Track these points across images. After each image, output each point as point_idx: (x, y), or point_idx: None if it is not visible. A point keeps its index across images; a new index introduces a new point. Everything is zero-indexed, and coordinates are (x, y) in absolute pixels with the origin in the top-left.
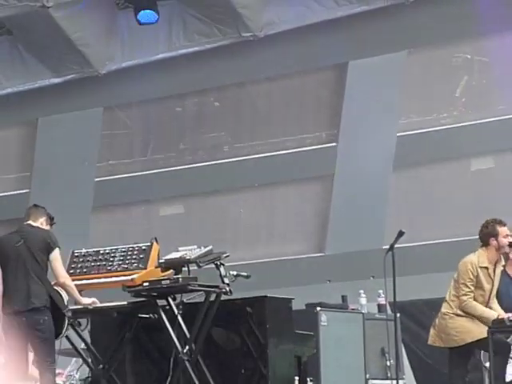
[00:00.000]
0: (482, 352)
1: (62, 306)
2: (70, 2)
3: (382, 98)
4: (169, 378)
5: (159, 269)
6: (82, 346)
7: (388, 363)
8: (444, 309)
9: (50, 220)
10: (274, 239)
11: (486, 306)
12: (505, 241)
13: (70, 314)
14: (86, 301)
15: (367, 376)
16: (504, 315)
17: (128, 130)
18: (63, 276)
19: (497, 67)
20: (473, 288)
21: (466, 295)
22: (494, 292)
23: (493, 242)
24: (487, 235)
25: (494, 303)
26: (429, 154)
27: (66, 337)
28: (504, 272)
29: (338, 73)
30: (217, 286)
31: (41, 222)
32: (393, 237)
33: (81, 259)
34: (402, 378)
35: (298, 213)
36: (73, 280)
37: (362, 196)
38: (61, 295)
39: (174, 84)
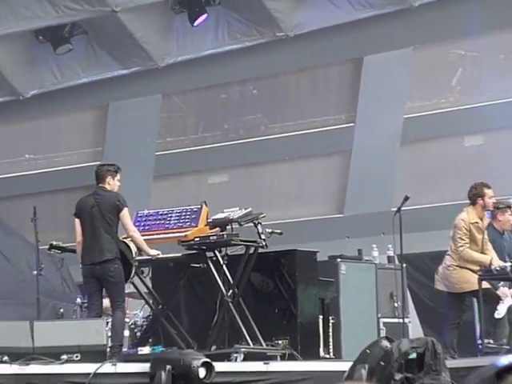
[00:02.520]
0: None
1: (130, 257)
2: (135, 7)
3: (391, 86)
4: (215, 316)
5: (208, 227)
6: (145, 290)
7: (396, 305)
8: (448, 261)
9: (115, 172)
10: (302, 203)
11: (481, 253)
12: (490, 201)
13: (136, 263)
14: (153, 252)
15: (379, 315)
16: (496, 260)
17: (182, 113)
18: (132, 230)
19: (485, 62)
20: (467, 240)
21: (463, 246)
22: (486, 240)
23: (480, 201)
24: (475, 195)
25: (489, 251)
26: (430, 132)
27: (132, 283)
28: (491, 226)
29: (355, 65)
30: (255, 241)
31: (108, 182)
32: (400, 201)
33: (143, 219)
34: (407, 317)
35: (322, 181)
36: None
37: (374, 167)
38: (130, 248)
39: (220, 75)
